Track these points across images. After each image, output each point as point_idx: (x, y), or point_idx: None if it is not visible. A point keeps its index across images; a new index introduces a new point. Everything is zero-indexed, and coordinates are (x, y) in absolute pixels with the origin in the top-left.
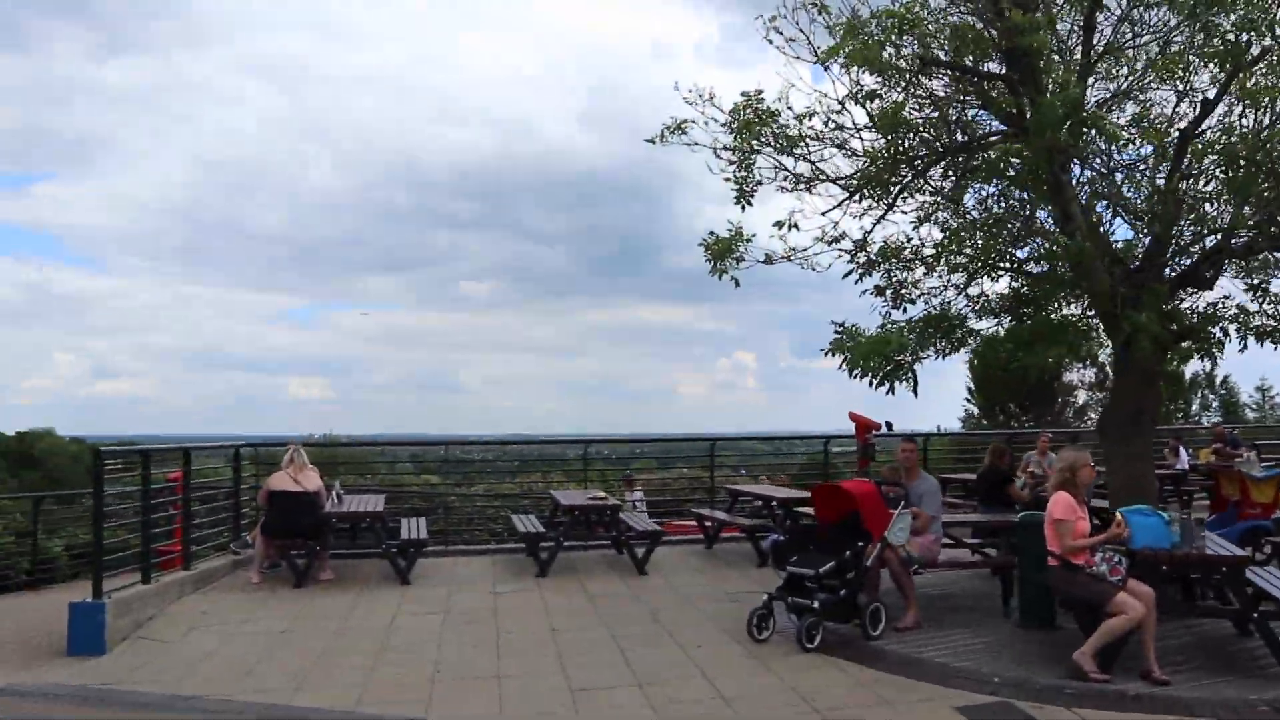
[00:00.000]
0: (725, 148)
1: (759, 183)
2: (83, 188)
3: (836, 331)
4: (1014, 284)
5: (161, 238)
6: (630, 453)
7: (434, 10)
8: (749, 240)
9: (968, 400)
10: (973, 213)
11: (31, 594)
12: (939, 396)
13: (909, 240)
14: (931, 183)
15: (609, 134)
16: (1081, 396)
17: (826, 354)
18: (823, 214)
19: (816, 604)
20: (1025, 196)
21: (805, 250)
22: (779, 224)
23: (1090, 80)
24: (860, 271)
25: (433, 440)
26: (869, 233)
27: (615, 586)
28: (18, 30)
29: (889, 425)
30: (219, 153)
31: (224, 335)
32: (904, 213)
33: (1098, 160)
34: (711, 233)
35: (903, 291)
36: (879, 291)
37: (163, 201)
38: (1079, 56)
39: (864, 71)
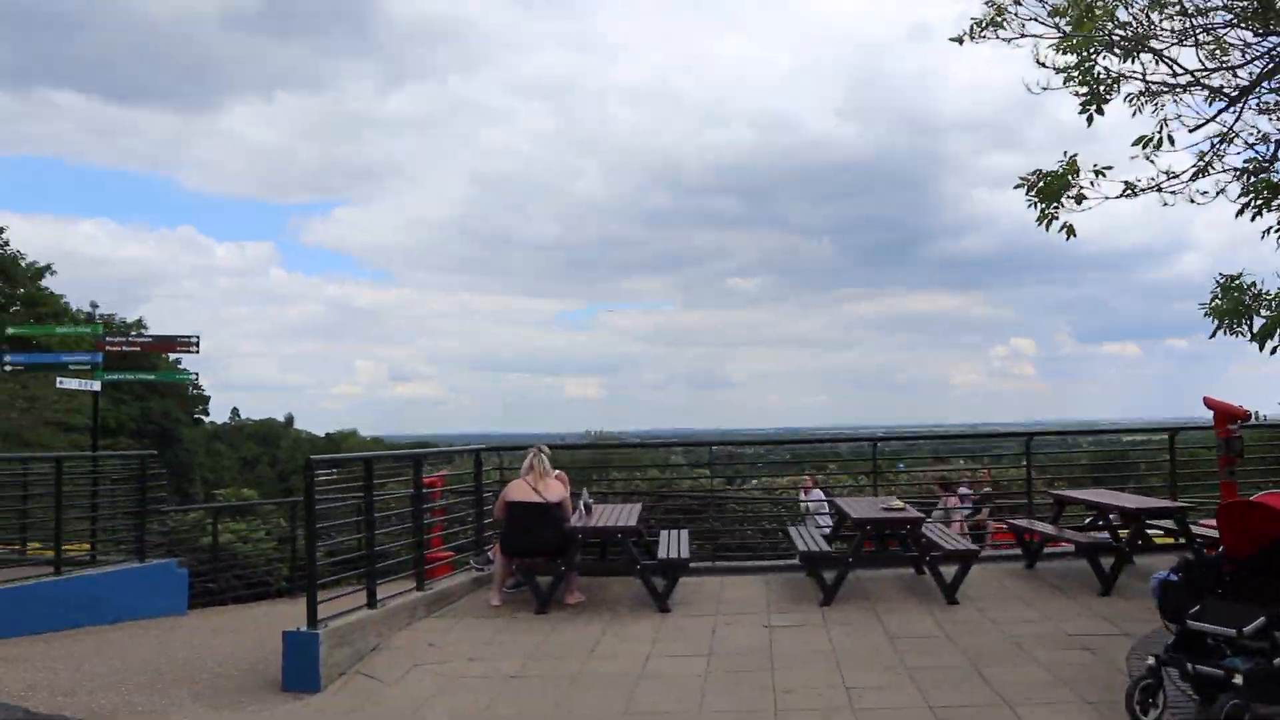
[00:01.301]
0: (1062, 37)
1: (1114, 81)
2: (373, 210)
3: (1222, 287)
4: None
5: (444, 250)
6: (911, 449)
7: (691, 16)
8: (1101, 173)
9: None
10: None
11: (288, 601)
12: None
13: None
14: None
15: (869, 123)
16: None
17: (1213, 319)
18: (1194, 129)
19: (1240, 678)
20: None
21: (1179, 176)
22: (1143, 140)
23: None
24: (1260, 202)
25: (701, 439)
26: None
27: (920, 621)
28: (312, 71)
29: (1257, 414)
30: (493, 169)
31: (504, 339)
32: None
33: None
34: (1037, 170)
35: None
36: None
37: (443, 218)
38: None
39: None
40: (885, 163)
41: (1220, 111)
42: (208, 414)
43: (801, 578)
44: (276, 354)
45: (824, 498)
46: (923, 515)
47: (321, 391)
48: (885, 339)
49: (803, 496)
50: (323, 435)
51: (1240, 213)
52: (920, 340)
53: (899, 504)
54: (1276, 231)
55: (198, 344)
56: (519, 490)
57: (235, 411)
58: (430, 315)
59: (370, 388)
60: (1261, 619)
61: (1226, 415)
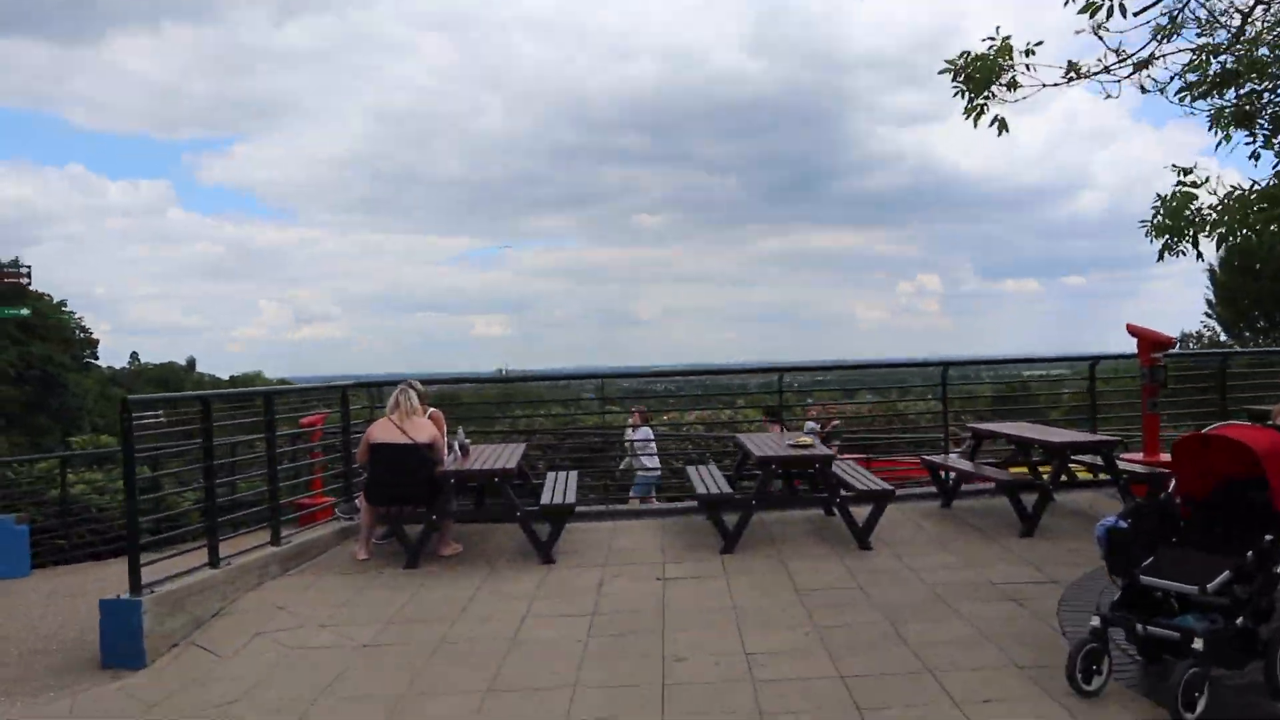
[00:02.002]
0: None
1: None
2: (272, 146)
3: (1164, 202)
4: None
5: (346, 188)
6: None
7: None
8: (1031, 51)
9: (1208, 314)
10: None
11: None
12: (1152, 310)
13: None
14: None
15: (777, 59)
16: None
17: (1153, 237)
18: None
19: (1200, 643)
20: None
21: (1127, 60)
22: (1090, 7)
23: None
24: (1206, 89)
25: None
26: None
27: (830, 570)
28: (200, 1)
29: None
30: (395, 104)
31: (410, 278)
32: None
33: None
34: (964, 53)
35: None
36: (1243, 120)
37: (345, 154)
38: None
39: None
40: (793, 99)
41: None
42: (97, 358)
43: (702, 521)
44: (177, 296)
45: (651, 436)
46: (832, 453)
47: (224, 334)
48: (792, 275)
49: (630, 434)
50: (226, 378)
51: (1183, 95)
52: (827, 277)
53: (807, 440)
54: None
55: (29, 274)
56: (383, 431)
57: (134, 356)
58: (334, 255)
59: (275, 330)
60: (1226, 573)
61: (1152, 343)
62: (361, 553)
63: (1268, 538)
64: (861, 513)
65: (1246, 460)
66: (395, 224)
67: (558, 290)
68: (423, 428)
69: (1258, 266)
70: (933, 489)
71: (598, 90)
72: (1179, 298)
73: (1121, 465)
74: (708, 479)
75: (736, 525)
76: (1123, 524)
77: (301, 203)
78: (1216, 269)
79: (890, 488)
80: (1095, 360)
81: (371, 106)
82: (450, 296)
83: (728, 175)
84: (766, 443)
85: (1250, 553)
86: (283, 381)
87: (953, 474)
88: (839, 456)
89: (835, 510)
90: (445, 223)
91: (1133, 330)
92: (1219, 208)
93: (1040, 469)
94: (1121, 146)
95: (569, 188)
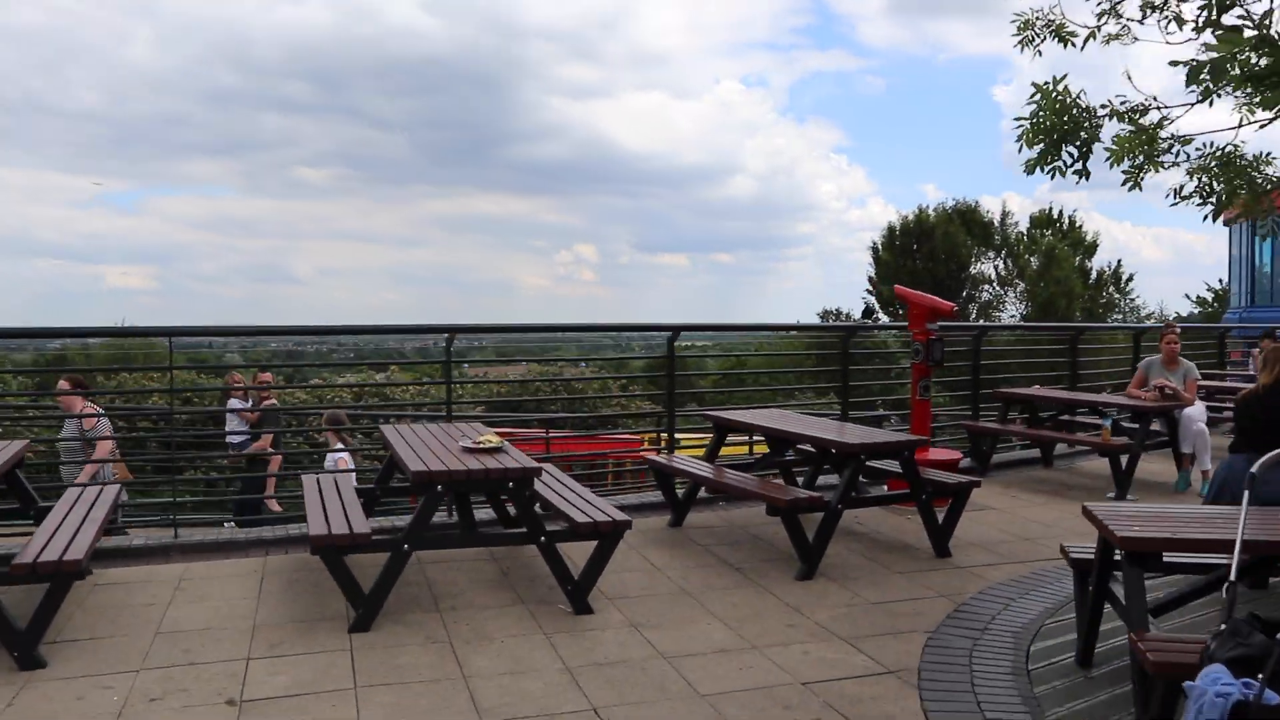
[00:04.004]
0: None
1: None
2: None
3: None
4: None
5: None
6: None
7: None
8: None
9: (869, 292)
10: None
11: None
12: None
13: None
14: None
15: (455, 19)
16: (986, 291)
17: (1027, 142)
18: None
19: None
20: None
21: None
22: None
23: None
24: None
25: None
26: None
27: (536, 666)
28: None
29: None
30: (19, 20)
31: (32, 220)
32: None
33: None
34: None
35: None
36: None
37: None
38: None
39: None
40: (468, 62)
41: None
42: None
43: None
44: None
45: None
46: (536, 465)
47: None
48: (457, 239)
49: (234, 403)
50: None
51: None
52: (491, 241)
53: (492, 440)
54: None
55: None
56: None
57: None
58: None
59: None
60: None
61: (928, 310)
62: None
63: None
64: (574, 550)
65: None
66: (19, 159)
67: (208, 242)
68: None
69: (914, 246)
70: (654, 496)
71: (262, 31)
72: (809, 275)
73: (930, 475)
74: (331, 496)
75: (379, 583)
76: (1239, 691)
77: None
78: (879, 248)
79: (624, 519)
80: (851, 331)
81: None
82: (80, 243)
83: (396, 133)
84: (430, 442)
85: None
86: None
87: (693, 483)
88: (536, 465)
89: (541, 549)
90: (80, 161)
91: (905, 295)
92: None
93: (795, 470)
94: (765, 138)
95: (224, 133)
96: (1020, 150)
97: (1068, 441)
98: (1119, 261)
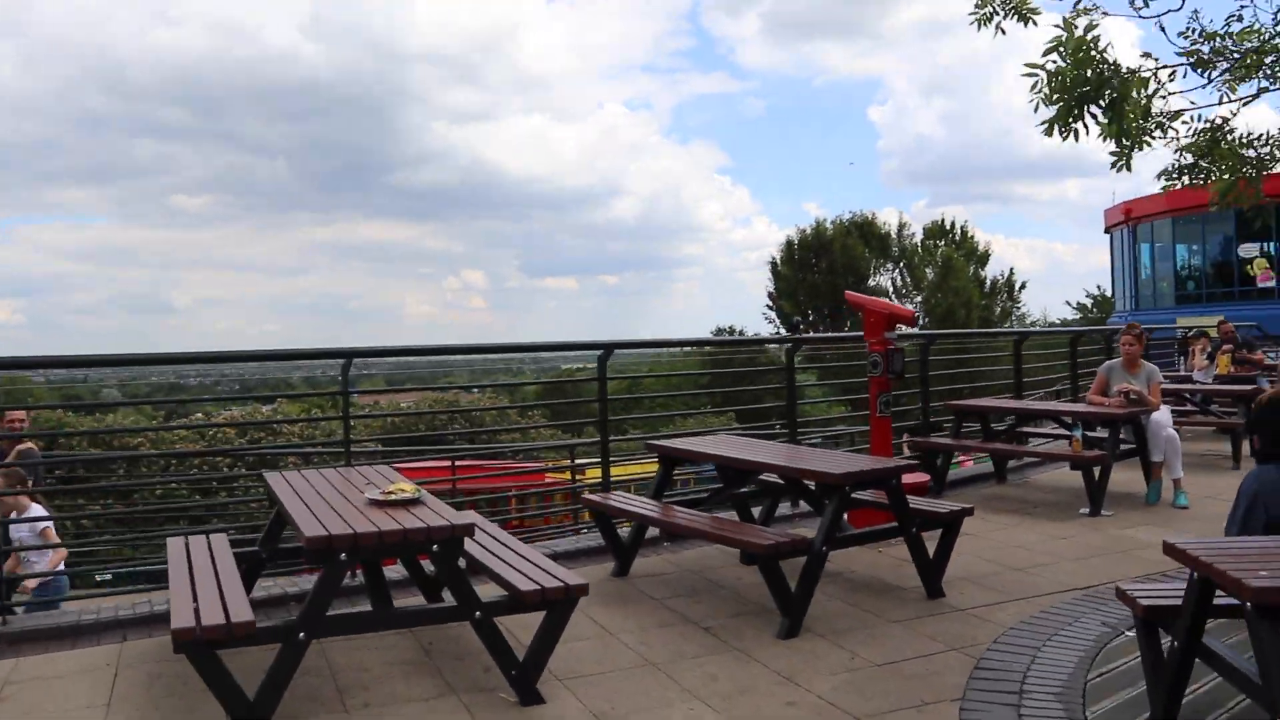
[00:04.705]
0: None
1: None
2: None
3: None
4: None
5: None
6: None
7: None
8: None
9: (769, 307)
10: None
11: None
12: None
13: None
14: None
15: (335, 43)
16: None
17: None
18: None
19: None
20: None
21: None
22: None
23: None
24: None
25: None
26: None
27: None
28: None
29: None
30: None
31: None
32: None
33: None
34: None
35: None
36: None
37: None
38: None
39: None
40: (349, 86)
41: None
42: None
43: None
44: None
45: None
46: (466, 522)
47: None
48: (340, 266)
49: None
50: None
51: None
52: (376, 268)
53: (406, 489)
54: None
55: None
56: None
57: None
58: None
59: None
60: None
61: (886, 318)
62: None
63: None
64: (516, 624)
65: None
66: None
67: (80, 272)
68: None
69: (813, 260)
70: (590, 540)
71: (136, 53)
72: (698, 295)
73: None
74: (202, 567)
75: (267, 683)
76: None
77: None
78: (779, 263)
79: (579, 583)
80: (797, 342)
81: None
82: None
83: (276, 159)
84: (329, 494)
85: None
86: None
87: (666, 526)
88: (463, 523)
89: (475, 628)
90: None
91: (858, 302)
92: None
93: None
94: (649, 160)
95: (97, 159)
96: (1036, 109)
97: (1033, 455)
98: (1011, 270)
